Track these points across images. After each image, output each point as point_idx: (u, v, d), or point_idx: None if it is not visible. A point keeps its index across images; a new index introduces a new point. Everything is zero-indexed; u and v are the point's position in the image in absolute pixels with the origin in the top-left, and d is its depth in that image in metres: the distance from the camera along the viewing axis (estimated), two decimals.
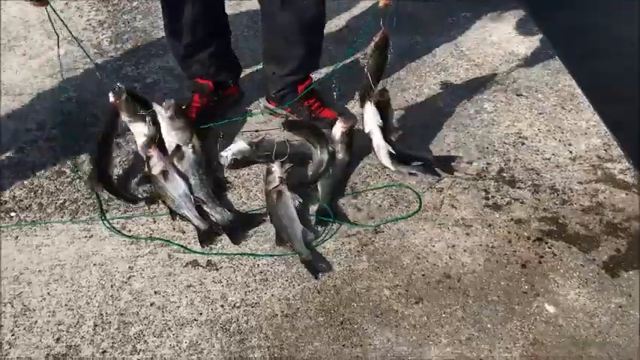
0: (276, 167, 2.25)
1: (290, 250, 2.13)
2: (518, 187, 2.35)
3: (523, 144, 2.53)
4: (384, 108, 2.35)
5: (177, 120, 2.36)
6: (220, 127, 2.54)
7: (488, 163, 2.44)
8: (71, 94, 2.87)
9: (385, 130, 2.36)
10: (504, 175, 2.40)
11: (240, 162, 2.44)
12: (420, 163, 2.39)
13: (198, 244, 2.18)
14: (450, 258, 2.11)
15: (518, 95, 2.77)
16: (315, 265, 2.08)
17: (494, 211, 2.26)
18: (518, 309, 1.96)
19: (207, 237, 2.19)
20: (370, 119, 2.35)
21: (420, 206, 2.27)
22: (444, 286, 2.03)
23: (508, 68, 2.93)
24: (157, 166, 2.31)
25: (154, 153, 2.32)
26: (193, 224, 2.22)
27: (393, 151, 2.34)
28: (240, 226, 2.22)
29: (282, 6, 2.31)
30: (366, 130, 2.37)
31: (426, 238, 2.17)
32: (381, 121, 2.33)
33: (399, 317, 1.95)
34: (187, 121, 2.41)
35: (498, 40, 3.12)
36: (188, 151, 2.36)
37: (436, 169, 2.40)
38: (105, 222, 2.27)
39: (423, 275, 2.06)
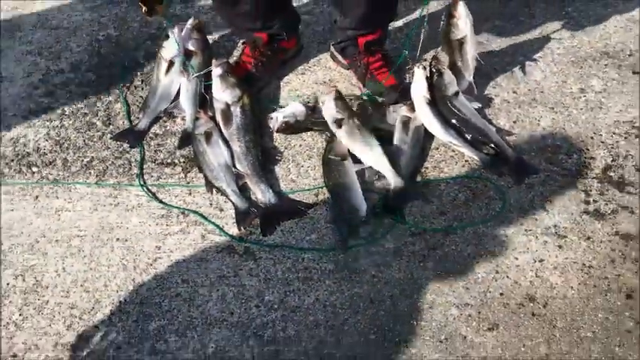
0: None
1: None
2: (628, 192, 1.90)
3: (637, 136, 2.06)
4: (438, 76, 2.06)
5: (228, 77, 2.09)
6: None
7: (591, 157, 2.00)
8: (111, 32, 2.55)
9: (437, 101, 2.05)
10: (611, 174, 1.95)
11: (293, 127, 2.09)
12: (491, 152, 2.00)
13: (236, 225, 1.87)
14: (536, 276, 1.72)
15: (635, 73, 2.26)
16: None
17: (596, 219, 1.84)
18: (619, 352, 1.57)
19: (245, 218, 1.88)
20: (415, 89, 2.07)
21: (503, 205, 1.87)
22: (526, 311, 1.66)
23: (624, 37, 2.39)
24: (201, 126, 2.03)
25: (203, 116, 2.05)
26: (231, 201, 1.91)
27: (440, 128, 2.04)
28: (278, 214, 1.88)
29: None
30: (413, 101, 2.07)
31: (508, 247, 1.78)
32: (427, 93, 2.04)
33: (467, 345, 1.60)
34: (238, 80, 2.11)
35: (614, 0, 2.57)
36: (237, 110, 2.04)
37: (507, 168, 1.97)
38: (139, 181, 1.99)
39: (501, 294, 1.69)
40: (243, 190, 1.94)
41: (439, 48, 2.24)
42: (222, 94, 2.08)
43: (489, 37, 2.43)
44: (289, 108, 2.11)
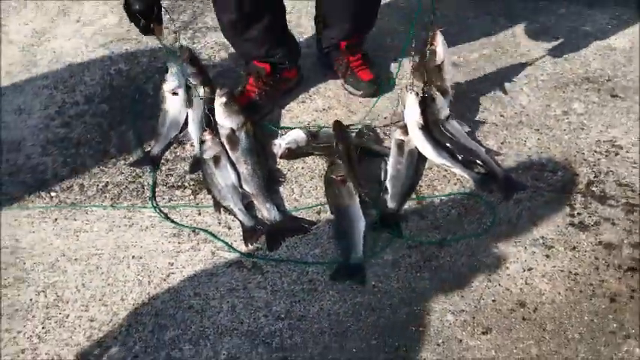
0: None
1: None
2: (610, 205, 2.04)
3: (617, 154, 2.20)
4: (430, 101, 2.21)
5: (232, 105, 2.24)
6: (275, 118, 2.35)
7: (575, 174, 2.14)
8: (122, 67, 2.71)
9: (430, 126, 2.20)
10: (594, 189, 2.09)
11: (295, 152, 2.23)
12: (482, 171, 2.14)
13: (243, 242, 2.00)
14: (526, 283, 1.85)
15: (613, 96, 2.42)
16: (363, 273, 1.89)
17: (580, 231, 1.97)
18: (604, 352, 1.68)
19: (252, 235, 2.00)
20: (409, 114, 2.22)
21: (494, 219, 2.01)
22: (517, 315, 1.78)
23: (603, 64, 2.57)
24: (209, 150, 2.16)
25: (208, 137, 2.18)
26: (238, 219, 2.04)
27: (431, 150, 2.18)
28: (283, 231, 2.01)
29: None
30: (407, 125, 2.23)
31: (499, 258, 1.91)
32: (420, 118, 2.19)
33: (462, 348, 1.71)
34: (241, 107, 2.27)
35: (593, 30, 2.75)
36: (242, 135, 2.20)
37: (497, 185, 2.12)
38: (152, 203, 2.13)
39: (494, 301, 1.81)
40: (250, 209, 2.07)
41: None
42: (226, 120, 2.23)
43: (478, 65, 2.59)
44: (291, 135, 2.25)
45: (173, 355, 1.73)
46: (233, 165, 2.16)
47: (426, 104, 2.22)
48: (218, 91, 2.27)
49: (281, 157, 2.24)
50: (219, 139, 2.21)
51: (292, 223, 2.03)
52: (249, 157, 2.17)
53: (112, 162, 2.30)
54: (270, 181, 2.16)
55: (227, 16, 2.23)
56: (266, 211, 2.04)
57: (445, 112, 2.22)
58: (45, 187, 2.22)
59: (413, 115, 2.21)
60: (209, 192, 2.13)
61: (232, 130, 2.21)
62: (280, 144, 2.22)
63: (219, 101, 2.24)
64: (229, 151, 2.19)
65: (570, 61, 2.60)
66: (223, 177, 2.12)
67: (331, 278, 1.88)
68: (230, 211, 2.06)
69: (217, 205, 2.09)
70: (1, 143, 2.38)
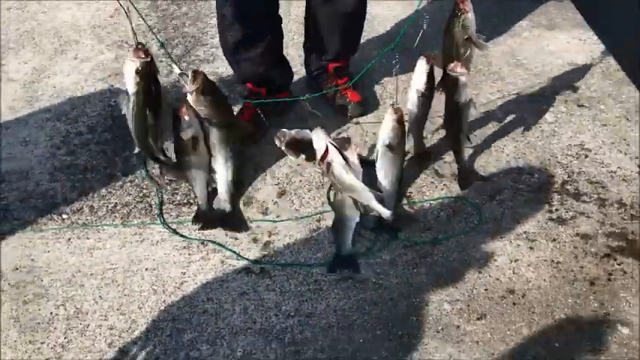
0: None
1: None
2: (583, 201, 2.24)
3: (587, 156, 2.42)
4: (453, 84, 2.13)
5: (206, 94, 2.15)
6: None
7: (550, 175, 2.34)
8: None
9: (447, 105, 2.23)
10: (568, 187, 2.29)
11: (298, 145, 2.39)
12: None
13: (250, 250, 2.13)
14: (514, 273, 2.02)
15: (579, 106, 2.66)
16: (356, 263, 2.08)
17: (559, 224, 2.16)
18: (588, 329, 1.85)
19: (202, 219, 2.24)
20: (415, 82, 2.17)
21: (480, 218, 2.18)
22: (507, 301, 1.94)
23: (568, 78, 2.82)
24: (187, 130, 2.17)
25: (186, 115, 2.15)
26: (197, 199, 2.28)
27: None
28: (225, 222, 2.24)
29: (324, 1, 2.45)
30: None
31: (487, 252, 2.08)
32: (424, 87, 2.15)
33: (460, 333, 1.86)
34: (215, 98, 2.21)
35: (557, 49, 3.02)
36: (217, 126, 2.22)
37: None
38: (160, 219, 2.26)
39: (486, 290, 1.97)
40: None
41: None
42: (204, 109, 2.16)
43: None
44: (303, 131, 2.38)
45: (192, 355, 1.84)
46: (208, 149, 2.24)
47: (448, 84, 2.13)
48: (189, 73, 2.13)
49: (286, 146, 2.40)
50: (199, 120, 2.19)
51: (233, 219, 2.26)
52: (224, 146, 2.25)
53: (118, 184, 2.43)
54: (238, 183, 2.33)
55: (230, 36, 2.42)
56: (222, 202, 2.27)
57: (467, 96, 2.13)
58: (56, 210, 2.33)
59: (418, 83, 2.16)
60: (178, 169, 2.29)
61: (209, 119, 2.19)
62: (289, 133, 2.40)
63: (193, 87, 2.11)
64: (207, 136, 2.22)
65: (538, 76, 2.84)
66: (198, 159, 2.23)
67: (328, 271, 2.04)
68: (192, 190, 2.30)
69: (180, 177, 2.33)
70: (7, 173, 2.49)
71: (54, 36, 3.35)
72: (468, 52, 2.11)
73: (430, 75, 2.16)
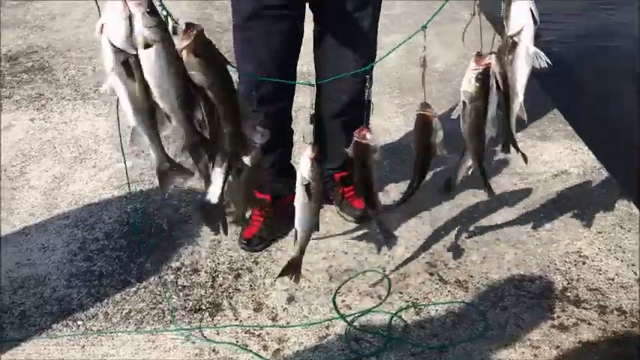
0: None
1: None
2: (584, 308, 2.31)
3: (584, 263, 2.52)
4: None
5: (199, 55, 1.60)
6: None
7: (550, 282, 2.43)
8: (137, 206, 3.01)
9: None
10: (568, 294, 2.37)
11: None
12: None
13: (267, 355, 2.18)
14: None
15: (574, 214, 2.80)
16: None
17: (561, 332, 2.22)
18: None
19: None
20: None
21: (485, 325, 2.25)
22: None
23: (562, 187, 2.98)
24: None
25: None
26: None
27: None
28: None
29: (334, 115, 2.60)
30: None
31: (493, 359, 2.13)
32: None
33: None
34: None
35: (550, 158, 3.20)
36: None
37: None
38: (175, 325, 2.32)
39: None
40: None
41: None
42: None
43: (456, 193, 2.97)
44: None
45: None
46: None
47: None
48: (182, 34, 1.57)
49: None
50: None
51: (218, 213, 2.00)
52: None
53: (132, 291, 2.51)
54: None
55: None
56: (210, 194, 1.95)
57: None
58: (71, 316, 2.39)
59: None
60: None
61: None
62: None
63: (184, 44, 1.56)
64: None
65: (533, 185, 3.00)
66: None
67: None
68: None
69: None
70: (26, 279, 2.57)
71: (74, 145, 3.55)
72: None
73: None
